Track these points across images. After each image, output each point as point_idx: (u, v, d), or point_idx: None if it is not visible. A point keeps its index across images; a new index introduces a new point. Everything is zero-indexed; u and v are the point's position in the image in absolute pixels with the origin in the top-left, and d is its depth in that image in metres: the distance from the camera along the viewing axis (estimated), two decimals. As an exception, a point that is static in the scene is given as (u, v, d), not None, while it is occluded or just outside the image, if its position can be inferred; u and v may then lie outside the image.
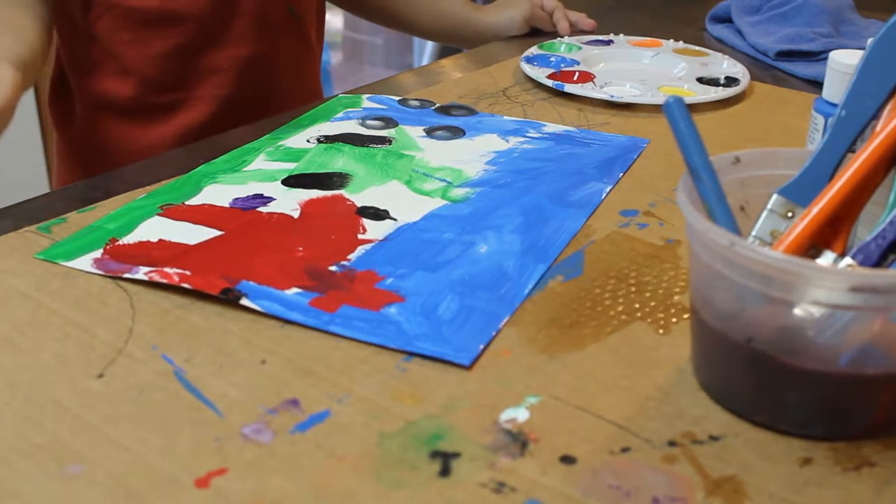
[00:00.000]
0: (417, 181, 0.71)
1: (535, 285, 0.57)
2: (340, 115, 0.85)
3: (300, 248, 0.61)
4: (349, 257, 0.60)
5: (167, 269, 0.58)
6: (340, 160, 0.75)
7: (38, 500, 0.41)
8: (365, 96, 0.89)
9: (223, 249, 0.61)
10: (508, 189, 0.70)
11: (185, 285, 0.56)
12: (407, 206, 0.67)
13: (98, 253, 0.61)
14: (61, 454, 0.43)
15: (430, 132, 0.80)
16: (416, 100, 0.88)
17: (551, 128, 0.82)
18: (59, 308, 0.54)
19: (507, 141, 0.79)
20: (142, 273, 0.57)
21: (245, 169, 0.73)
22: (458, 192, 0.69)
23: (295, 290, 0.56)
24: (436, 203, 0.67)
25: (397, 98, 0.89)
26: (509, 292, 0.56)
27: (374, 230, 0.63)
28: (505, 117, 0.84)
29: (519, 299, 0.56)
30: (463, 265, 0.59)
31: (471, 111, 0.85)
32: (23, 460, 0.43)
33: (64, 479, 0.42)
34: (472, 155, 0.76)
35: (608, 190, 0.70)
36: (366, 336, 0.52)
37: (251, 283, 0.56)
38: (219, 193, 0.69)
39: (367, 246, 0.61)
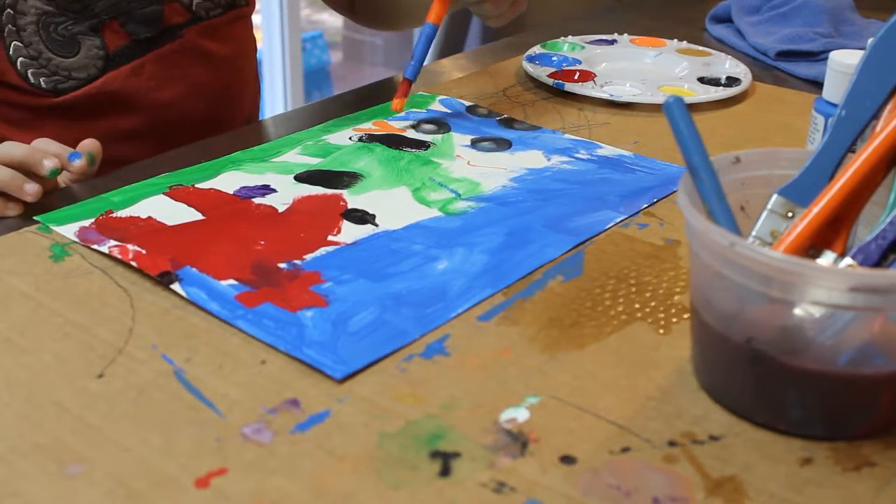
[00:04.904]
0: (426, 190, 0.70)
1: (469, 308, 0.55)
2: (402, 113, 0.84)
3: (262, 242, 0.61)
4: (305, 257, 0.60)
5: (128, 246, 0.60)
6: (365, 160, 0.74)
7: (38, 500, 0.41)
8: (438, 97, 0.89)
9: (191, 233, 0.62)
10: (512, 207, 0.67)
11: (133, 263, 0.58)
12: (399, 213, 0.66)
13: (88, 222, 0.63)
14: (61, 454, 0.43)
15: (475, 142, 0.79)
16: (484, 108, 0.87)
17: (606, 150, 0.78)
18: (59, 308, 0.54)
19: (549, 159, 0.76)
20: (107, 246, 0.60)
21: (273, 160, 0.74)
22: (459, 206, 0.68)
23: (231, 281, 0.57)
24: (430, 214, 0.66)
25: (467, 104, 0.88)
26: (435, 312, 0.55)
27: (349, 233, 0.63)
28: (565, 135, 0.81)
29: (441, 320, 0.54)
30: (409, 279, 0.58)
31: (533, 126, 0.83)
32: (23, 460, 0.43)
33: (64, 479, 0.42)
34: (501, 170, 0.74)
35: (619, 220, 0.66)
36: (265, 335, 0.52)
37: (193, 269, 0.57)
38: (231, 180, 0.70)
39: (331, 248, 0.61)
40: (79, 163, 0.66)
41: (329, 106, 0.89)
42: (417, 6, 1.00)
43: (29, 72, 0.79)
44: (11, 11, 0.77)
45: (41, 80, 0.79)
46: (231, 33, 0.89)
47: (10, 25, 0.77)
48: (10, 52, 0.78)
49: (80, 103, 0.81)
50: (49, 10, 0.78)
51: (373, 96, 0.91)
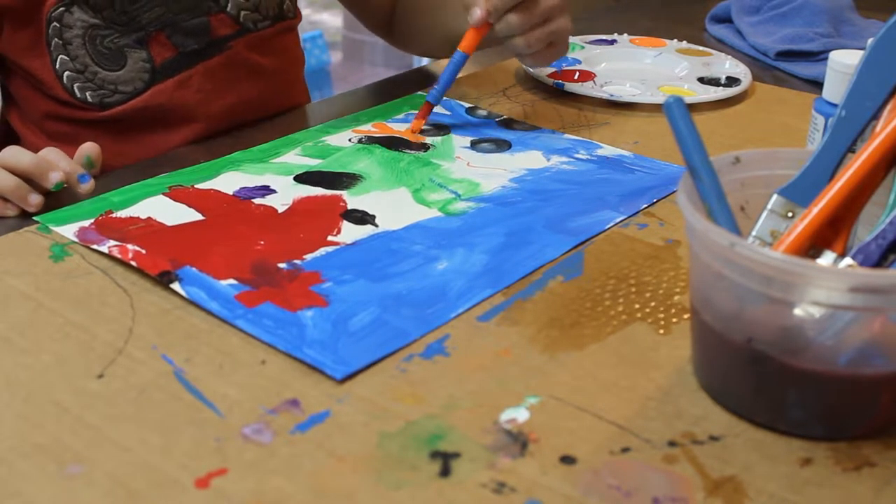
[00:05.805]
0: (426, 191, 0.70)
1: (469, 308, 0.55)
2: (401, 116, 0.84)
3: (261, 242, 0.61)
4: (305, 257, 0.60)
5: (128, 246, 0.60)
6: (364, 161, 0.74)
7: (38, 500, 0.41)
8: None
9: (191, 234, 0.62)
10: (511, 208, 0.67)
11: (133, 263, 0.58)
12: (399, 214, 0.66)
13: (87, 222, 0.63)
14: (61, 454, 0.43)
15: (475, 144, 0.79)
16: (484, 110, 0.87)
17: (606, 150, 0.78)
18: (59, 308, 0.54)
19: (549, 160, 0.76)
20: (107, 246, 0.60)
21: (272, 161, 0.74)
22: (459, 206, 0.67)
23: (231, 281, 0.57)
24: (430, 214, 0.66)
25: (467, 105, 0.87)
26: (435, 312, 0.55)
27: (349, 234, 0.63)
28: (565, 135, 0.81)
29: (442, 321, 0.54)
30: (409, 279, 0.58)
31: (532, 127, 0.83)
32: (23, 460, 0.43)
33: (64, 479, 0.42)
34: (501, 170, 0.74)
35: (618, 220, 0.66)
36: (265, 335, 0.52)
37: (193, 269, 0.58)
38: (231, 181, 0.70)
39: (331, 248, 0.61)
40: (87, 186, 0.65)
41: (329, 106, 0.89)
42: (455, 36, 0.95)
43: (75, 86, 0.78)
44: (58, 24, 0.76)
45: (87, 93, 0.78)
46: (279, 46, 0.88)
47: (56, 39, 0.77)
48: (57, 66, 0.77)
49: (127, 117, 0.80)
50: (95, 22, 0.77)
51: (373, 96, 0.91)
